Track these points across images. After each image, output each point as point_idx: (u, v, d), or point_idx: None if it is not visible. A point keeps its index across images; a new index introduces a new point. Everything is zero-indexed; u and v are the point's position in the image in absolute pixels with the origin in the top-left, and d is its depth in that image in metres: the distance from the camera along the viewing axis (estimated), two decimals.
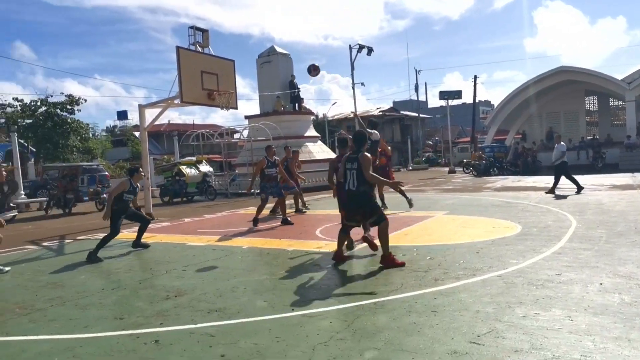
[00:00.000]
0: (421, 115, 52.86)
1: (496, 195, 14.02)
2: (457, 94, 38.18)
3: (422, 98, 57.88)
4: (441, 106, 48.61)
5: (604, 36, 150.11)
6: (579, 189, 13.22)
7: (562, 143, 14.09)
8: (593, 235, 7.12)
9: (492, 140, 35.20)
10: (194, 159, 20.78)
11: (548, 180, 18.70)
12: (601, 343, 3.32)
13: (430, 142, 59.54)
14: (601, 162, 25.83)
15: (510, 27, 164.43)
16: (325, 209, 12.66)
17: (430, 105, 67.19)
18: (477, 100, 45.90)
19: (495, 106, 41.15)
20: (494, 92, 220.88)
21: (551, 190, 13.39)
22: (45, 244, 9.19)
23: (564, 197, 12.44)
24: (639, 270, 5.11)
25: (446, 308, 4.19)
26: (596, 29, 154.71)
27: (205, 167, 19.49)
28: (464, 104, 54.04)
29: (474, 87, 43.13)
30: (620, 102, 31.89)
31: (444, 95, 37.34)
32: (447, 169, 32.73)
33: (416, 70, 76.45)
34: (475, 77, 43.27)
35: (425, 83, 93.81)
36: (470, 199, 13.26)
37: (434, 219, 9.73)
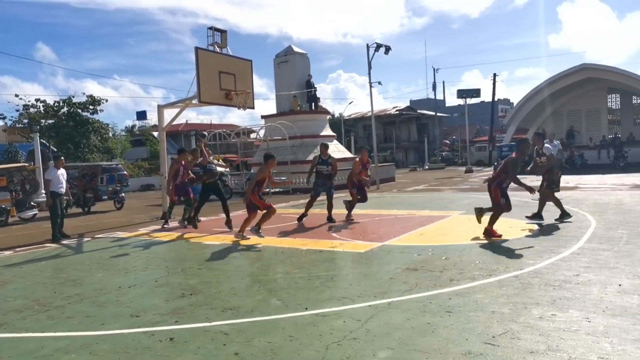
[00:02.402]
0: (438, 114, 52.42)
1: (514, 195, 13.79)
2: (476, 92, 37.77)
3: (439, 97, 57.40)
4: (459, 105, 48.17)
5: (631, 32, 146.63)
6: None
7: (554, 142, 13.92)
8: (613, 236, 6.97)
9: (510, 139, 34.71)
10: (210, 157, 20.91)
11: (568, 180, 18.39)
12: (619, 345, 3.25)
13: (448, 141, 59.02)
14: (623, 162, 25.28)
15: (533, 23, 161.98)
16: (339, 208, 12.63)
17: (448, 104, 66.57)
18: (496, 99, 45.33)
19: (514, 104, 40.59)
20: (515, 90, 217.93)
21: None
22: (64, 242, 9.37)
23: (584, 197, 12.20)
24: None
25: (461, 308, 4.15)
26: (624, 24, 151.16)
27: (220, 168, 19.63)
28: (482, 102, 53.48)
29: (493, 85, 42.60)
30: None
31: (462, 93, 36.99)
32: (464, 168, 32.38)
33: (434, 69, 76.15)
34: (495, 75, 42.72)
35: (443, 81, 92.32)
36: (488, 199, 13.06)
37: (450, 219, 9.65)
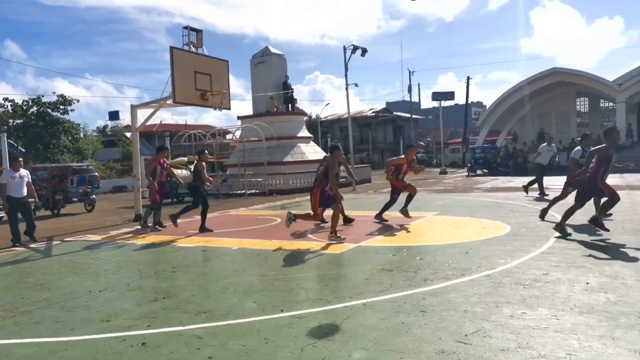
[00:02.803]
0: (414, 116, 53.02)
1: (487, 196, 14.10)
2: (450, 95, 38.40)
3: (415, 99, 58.04)
4: (434, 107, 48.92)
5: (600, 37, 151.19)
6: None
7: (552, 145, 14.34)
8: (581, 236, 7.17)
9: (483, 141, 35.40)
10: (185, 159, 20.68)
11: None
12: (586, 341, 3.34)
13: (423, 143, 59.74)
14: None
15: (506, 28, 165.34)
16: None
17: (423, 106, 67.46)
18: (469, 102, 46.15)
19: (487, 107, 41.39)
20: (488, 93, 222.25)
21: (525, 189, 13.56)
22: (32, 245, 9.09)
23: (552, 198, 12.51)
24: (624, 269, 5.16)
25: (435, 308, 4.20)
26: (593, 30, 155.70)
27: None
28: (456, 105, 54.29)
29: (467, 88, 43.39)
30: (610, 104, 32.21)
31: (436, 96, 37.52)
32: (438, 169, 32.85)
33: (410, 71, 77.03)
34: (468, 78, 43.58)
35: (419, 84, 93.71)
36: (461, 200, 13.32)
37: (425, 220, 9.76)
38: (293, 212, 8.18)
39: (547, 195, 12.94)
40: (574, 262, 5.58)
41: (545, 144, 14.31)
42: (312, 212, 8.04)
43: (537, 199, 12.51)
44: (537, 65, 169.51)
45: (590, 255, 5.86)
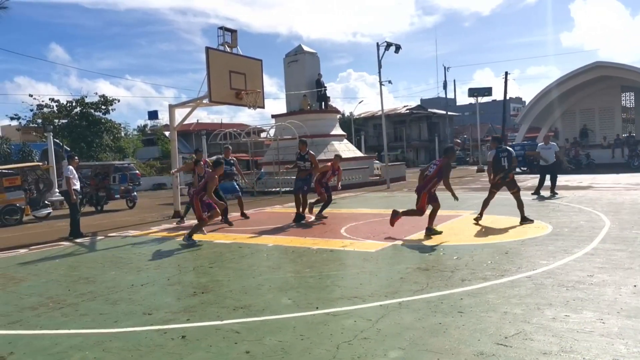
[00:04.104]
0: (449, 113, 52.10)
1: (527, 195, 13.69)
2: (487, 91, 37.48)
3: (450, 95, 57.03)
4: (470, 103, 47.91)
5: None
6: (537, 193, 13.06)
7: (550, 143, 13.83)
8: (627, 236, 6.88)
9: (523, 138, 34.39)
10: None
11: (581, 179, 18.18)
12: (634, 347, 3.20)
13: (459, 140, 58.65)
14: (637, 161, 24.92)
15: (545, 21, 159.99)
16: (350, 207, 12.64)
17: (459, 103, 66.18)
18: (507, 97, 44.89)
19: (526, 103, 40.22)
20: (527, 89, 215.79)
21: (536, 191, 13.20)
22: (78, 240, 9.47)
23: (598, 197, 12.06)
24: None
25: (473, 309, 4.12)
26: (637, 21, 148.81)
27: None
28: (494, 101, 53.06)
29: (505, 84, 42.12)
30: None
31: (473, 92, 36.72)
32: (475, 167, 32.16)
33: (445, 67, 75.80)
34: (506, 73, 42.20)
35: (454, 80, 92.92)
36: (500, 198, 12.94)
37: (461, 219, 9.59)
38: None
39: (540, 194, 12.54)
40: (620, 263, 5.36)
41: (542, 143, 13.84)
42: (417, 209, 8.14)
43: (538, 199, 12.19)
44: (578, 60, 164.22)
45: (637, 257, 5.60)
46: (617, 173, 19.14)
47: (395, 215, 8.27)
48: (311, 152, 10.58)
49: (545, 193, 12.92)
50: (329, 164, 10.90)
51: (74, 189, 9.62)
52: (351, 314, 4.18)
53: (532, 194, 13.11)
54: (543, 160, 13.36)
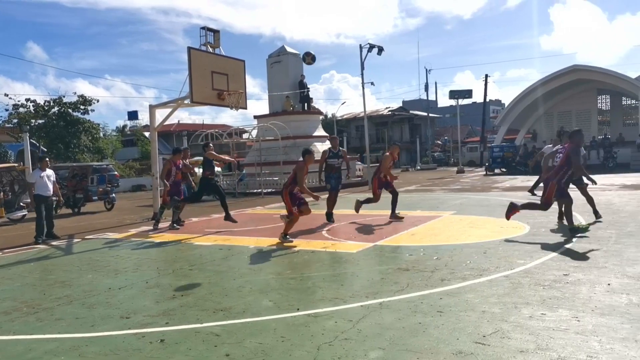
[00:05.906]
0: (430, 115, 52.64)
1: (505, 195, 13.91)
2: (467, 93, 37.98)
3: (432, 97, 57.68)
4: (451, 105, 48.40)
5: (622, 33, 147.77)
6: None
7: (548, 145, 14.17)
8: (602, 236, 7.04)
9: (502, 139, 34.96)
10: (201, 159, 20.82)
11: None
12: (608, 344, 3.28)
13: (440, 142, 59.29)
14: (612, 162, 25.55)
15: (525, 25, 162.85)
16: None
17: (440, 105, 66.90)
18: (487, 100, 45.61)
19: (506, 105, 40.87)
20: (506, 91, 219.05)
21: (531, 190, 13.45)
22: (54, 243, 9.28)
23: (574, 197, 12.29)
24: None
25: (452, 308, 4.16)
26: (614, 26, 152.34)
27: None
28: (474, 103, 53.75)
29: (485, 86, 42.89)
30: (633, 101, 31.55)
31: (454, 94, 37.18)
32: (455, 168, 32.55)
33: (426, 70, 76.43)
34: (486, 75, 42.99)
35: (435, 82, 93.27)
36: (479, 199, 13.17)
37: (442, 219, 9.69)
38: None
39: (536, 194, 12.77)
40: (595, 263, 5.48)
41: (551, 144, 14.11)
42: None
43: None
44: (556, 63, 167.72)
45: (612, 256, 5.74)
46: (593, 174, 19.53)
47: (512, 209, 7.80)
48: (342, 148, 10.60)
49: (539, 193, 13.13)
50: (388, 153, 10.34)
51: (46, 195, 9.46)
52: (332, 314, 4.18)
53: (529, 191, 13.51)
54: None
